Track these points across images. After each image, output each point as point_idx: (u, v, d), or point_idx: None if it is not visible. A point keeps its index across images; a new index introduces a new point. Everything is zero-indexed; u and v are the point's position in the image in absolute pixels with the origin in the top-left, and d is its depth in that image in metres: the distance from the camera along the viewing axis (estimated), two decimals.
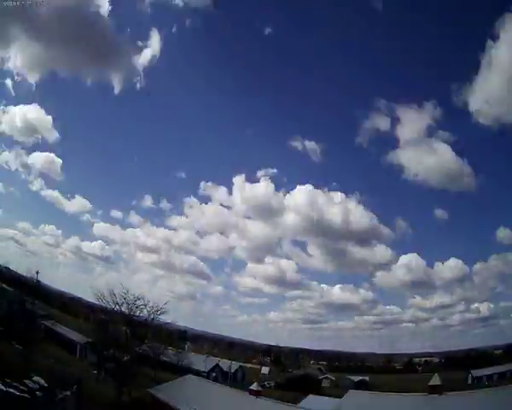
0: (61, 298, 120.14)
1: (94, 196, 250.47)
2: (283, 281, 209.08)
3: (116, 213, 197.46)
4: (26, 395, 22.00)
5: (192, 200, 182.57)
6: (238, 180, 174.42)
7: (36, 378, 26.05)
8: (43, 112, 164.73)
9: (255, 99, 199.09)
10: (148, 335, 37.37)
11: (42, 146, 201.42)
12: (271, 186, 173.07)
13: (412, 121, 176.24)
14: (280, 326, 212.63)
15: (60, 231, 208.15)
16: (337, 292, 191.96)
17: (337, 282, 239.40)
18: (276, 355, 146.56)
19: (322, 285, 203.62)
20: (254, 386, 29.99)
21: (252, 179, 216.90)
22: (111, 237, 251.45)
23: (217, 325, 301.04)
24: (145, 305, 35.85)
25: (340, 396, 32.80)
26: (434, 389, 23.00)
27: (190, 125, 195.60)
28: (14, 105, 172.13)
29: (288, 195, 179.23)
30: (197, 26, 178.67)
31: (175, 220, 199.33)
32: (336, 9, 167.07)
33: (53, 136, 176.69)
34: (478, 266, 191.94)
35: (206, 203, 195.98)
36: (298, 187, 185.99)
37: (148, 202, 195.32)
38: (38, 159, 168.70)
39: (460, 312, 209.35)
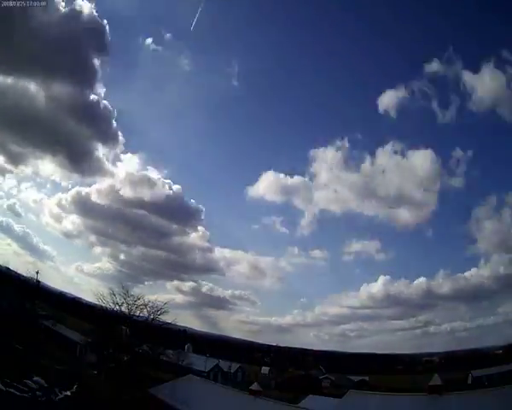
0: (61, 298, 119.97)
1: None
2: None
3: None
4: (26, 395, 21.99)
5: None
6: None
7: (36, 378, 26.06)
8: None
9: None
10: (148, 335, 37.21)
11: None
12: None
13: None
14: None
15: None
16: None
17: None
18: (276, 355, 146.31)
19: None
20: (254, 386, 29.94)
21: None
22: None
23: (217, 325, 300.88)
24: (145, 305, 35.86)
25: (340, 396, 32.74)
26: (434, 389, 22.95)
27: None
28: None
29: None
30: None
31: None
32: None
33: None
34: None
35: None
36: None
37: None
38: None
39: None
